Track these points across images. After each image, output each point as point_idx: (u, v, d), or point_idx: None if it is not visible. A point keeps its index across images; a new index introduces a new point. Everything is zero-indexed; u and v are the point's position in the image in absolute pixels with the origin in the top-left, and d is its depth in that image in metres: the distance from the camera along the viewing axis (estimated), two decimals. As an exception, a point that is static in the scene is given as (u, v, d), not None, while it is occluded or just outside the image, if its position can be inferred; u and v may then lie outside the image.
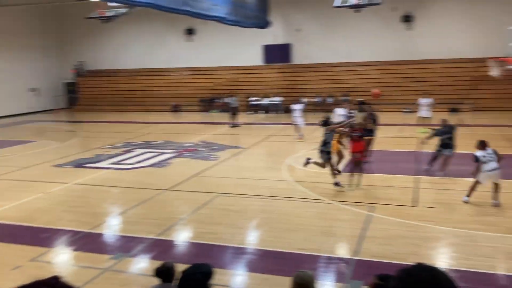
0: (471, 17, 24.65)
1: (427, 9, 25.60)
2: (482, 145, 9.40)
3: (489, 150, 9.33)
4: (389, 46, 26.32)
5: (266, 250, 7.62)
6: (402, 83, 25.78)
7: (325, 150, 10.72)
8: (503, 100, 24.15)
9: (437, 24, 25.39)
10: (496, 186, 9.20)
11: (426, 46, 25.56)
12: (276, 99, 27.75)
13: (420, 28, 25.79)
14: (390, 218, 8.77)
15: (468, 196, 9.43)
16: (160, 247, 7.87)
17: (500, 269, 6.67)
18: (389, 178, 11.76)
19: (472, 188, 9.37)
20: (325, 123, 10.96)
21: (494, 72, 16.84)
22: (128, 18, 26.56)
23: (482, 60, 21.58)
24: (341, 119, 15.97)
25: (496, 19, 23.13)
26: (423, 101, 17.12)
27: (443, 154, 11.56)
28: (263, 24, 24.94)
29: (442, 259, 7.16)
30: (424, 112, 17.03)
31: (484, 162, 9.09)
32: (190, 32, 30.36)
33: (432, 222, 8.50)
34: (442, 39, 25.21)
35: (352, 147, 11.13)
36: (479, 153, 9.26)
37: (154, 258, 7.29)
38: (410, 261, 6.80)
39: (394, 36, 26.22)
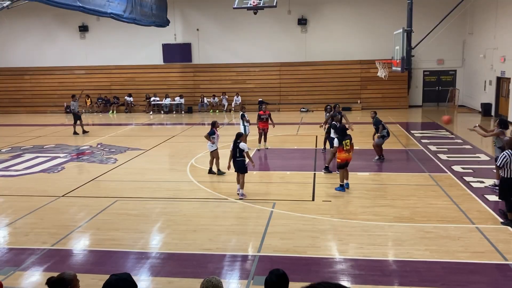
0: (360, 22, 26.48)
1: (320, 13, 26.99)
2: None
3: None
4: (286, 48, 27.30)
5: (169, 253, 7.48)
6: (299, 83, 26.92)
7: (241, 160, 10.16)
8: (388, 99, 26.39)
9: (330, 27, 26.90)
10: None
11: (320, 48, 26.95)
12: (178, 99, 27.41)
13: (314, 31, 27.11)
14: (290, 213, 9.11)
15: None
16: (55, 258, 7.36)
17: (390, 256, 7.25)
18: (288, 175, 12.21)
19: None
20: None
21: (381, 73, 18.17)
22: (12, 12, 24.41)
23: (371, 62, 23.27)
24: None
25: (383, 24, 25.13)
26: None
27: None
28: (162, 22, 24.64)
29: (338, 250, 7.60)
30: None
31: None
32: (83, 29, 28.73)
33: (328, 215, 8.99)
34: (334, 42, 26.78)
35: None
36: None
37: (48, 270, 6.80)
38: (309, 253, 7.12)
39: (291, 38, 27.26)
